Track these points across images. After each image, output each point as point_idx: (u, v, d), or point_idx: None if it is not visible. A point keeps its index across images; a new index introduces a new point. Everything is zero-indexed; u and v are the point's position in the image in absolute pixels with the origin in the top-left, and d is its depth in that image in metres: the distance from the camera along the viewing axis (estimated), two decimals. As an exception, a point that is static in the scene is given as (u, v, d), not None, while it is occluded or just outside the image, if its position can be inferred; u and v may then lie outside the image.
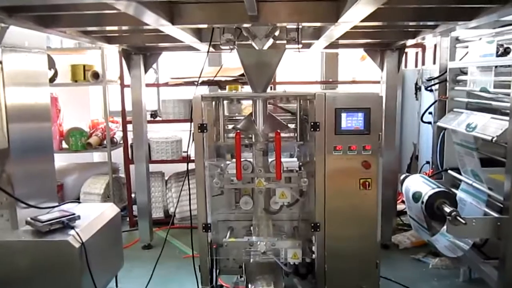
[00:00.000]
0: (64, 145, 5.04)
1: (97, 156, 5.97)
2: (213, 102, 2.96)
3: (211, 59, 5.58)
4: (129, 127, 4.63)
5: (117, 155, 5.17)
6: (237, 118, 3.25)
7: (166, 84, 5.06)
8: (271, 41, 2.87)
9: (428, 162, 4.28)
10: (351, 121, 2.60)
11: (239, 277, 3.13)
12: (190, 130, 2.74)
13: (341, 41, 3.50)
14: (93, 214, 3.11)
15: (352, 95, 2.63)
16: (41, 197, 3.10)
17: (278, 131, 2.66)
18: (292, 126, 2.96)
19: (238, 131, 2.73)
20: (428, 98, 4.29)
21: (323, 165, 2.66)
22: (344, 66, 5.73)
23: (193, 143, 2.74)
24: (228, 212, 3.12)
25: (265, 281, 2.95)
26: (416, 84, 4.65)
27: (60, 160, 5.44)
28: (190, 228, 2.96)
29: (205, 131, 2.69)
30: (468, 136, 3.10)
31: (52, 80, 4.85)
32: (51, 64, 4.77)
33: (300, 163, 2.96)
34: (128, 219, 5.12)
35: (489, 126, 2.88)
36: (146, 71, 4.39)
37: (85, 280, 2.72)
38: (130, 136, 4.78)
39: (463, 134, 3.14)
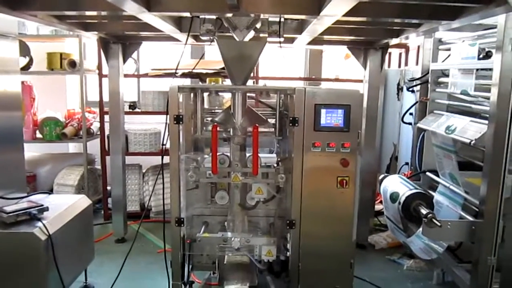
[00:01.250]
0: (38, 135, 4.89)
1: (72, 147, 5.82)
2: (192, 94, 2.89)
3: (194, 52, 5.50)
4: (107, 118, 4.52)
5: (94, 146, 5.05)
6: (216, 111, 3.18)
7: (146, 75, 4.95)
8: (252, 33, 2.81)
9: (407, 163, 4.29)
10: (330, 118, 2.56)
11: (212, 274, 3.06)
12: (166, 122, 2.66)
13: (325, 37, 3.45)
14: (63, 205, 3.00)
15: (332, 91, 2.59)
16: (9, 188, 2.98)
17: (256, 125, 2.60)
18: (272, 121, 2.90)
19: (215, 124, 2.67)
20: (409, 99, 4.29)
21: (301, 161, 2.61)
22: (328, 64, 5.71)
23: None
24: (204, 206, 3.06)
25: (238, 278, 2.90)
26: (398, 84, 4.65)
27: (34, 150, 5.30)
28: (164, 222, 2.88)
29: (181, 122, 2.62)
30: (447, 139, 3.10)
31: (26, 67, 4.71)
32: (26, 51, 4.63)
33: (279, 159, 2.91)
34: (103, 212, 5.01)
35: (468, 129, 2.88)
36: (124, 61, 4.27)
37: (51, 274, 2.62)
38: (107, 127, 4.66)
39: (442, 136, 3.13)
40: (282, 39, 2.91)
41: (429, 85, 3.59)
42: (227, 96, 3.81)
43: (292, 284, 2.72)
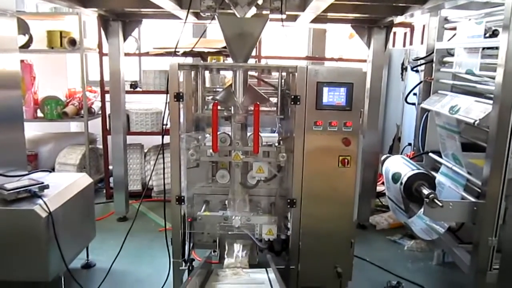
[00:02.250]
0: (39, 114, 4.88)
1: (74, 126, 5.81)
2: (192, 72, 2.85)
3: (196, 31, 5.44)
4: (108, 97, 4.48)
5: (95, 125, 5.03)
6: (218, 90, 3.15)
7: (147, 54, 4.90)
8: (254, 10, 2.75)
9: (410, 144, 4.25)
10: (332, 96, 2.52)
11: (212, 252, 3.07)
12: (166, 100, 2.63)
13: (328, 15, 3.39)
14: (63, 183, 3.00)
15: (335, 69, 2.55)
16: (9, 166, 2.98)
17: (258, 103, 2.57)
18: (274, 101, 2.87)
19: (216, 101, 2.63)
20: (414, 79, 4.23)
21: (302, 140, 2.59)
22: (332, 44, 5.63)
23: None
24: (205, 185, 3.05)
25: (239, 257, 2.91)
26: (403, 64, 4.58)
27: (35, 130, 5.30)
28: (165, 202, 2.88)
29: (181, 100, 2.59)
30: (451, 119, 3.05)
31: (26, 46, 4.67)
32: (25, 29, 4.58)
33: (280, 138, 2.89)
34: (105, 191, 5.03)
35: (472, 109, 2.83)
36: (125, 39, 4.21)
37: (52, 251, 2.63)
38: (108, 106, 4.63)
39: (446, 116, 3.09)
40: (284, 16, 2.85)
41: (433, 65, 3.53)
42: (228, 76, 3.77)
43: (292, 263, 2.73)
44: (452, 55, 3.31)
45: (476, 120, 2.66)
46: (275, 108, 2.82)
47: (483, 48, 2.82)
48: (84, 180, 3.21)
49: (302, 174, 2.63)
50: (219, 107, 2.74)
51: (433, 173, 3.33)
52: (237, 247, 2.91)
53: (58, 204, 2.74)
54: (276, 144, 2.73)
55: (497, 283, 2.17)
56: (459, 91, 3.29)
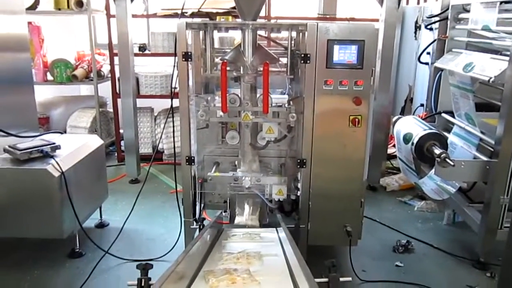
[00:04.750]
0: (49, 77, 4.88)
1: (84, 90, 5.82)
2: (201, 33, 2.80)
3: (204, -9, 5.29)
4: (117, 60, 4.45)
5: (105, 89, 5.02)
6: (227, 51, 3.09)
7: (155, 15, 4.82)
8: (263, -35, 2.66)
9: (422, 105, 4.18)
10: (343, 54, 2.47)
11: (223, 212, 3.11)
12: (175, 60, 2.60)
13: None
14: (75, 144, 3.03)
15: (346, 26, 2.47)
16: (21, 128, 3.01)
17: (267, 62, 2.52)
18: (284, 61, 2.82)
19: (225, 61, 2.59)
20: (427, 38, 4.10)
21: (312, 100, 2.56)
22: (343, 3, 5.46)
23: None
24: (215, 147, 3.06)
25: (249, 217, 2.95)
26: (416, 22, 4.44)
27: (47, 93, 5.32)
28: (175, 164, 2.91)
29: (189, 60, 2.55)
30: (465, 77, 2.99)
31: (33, 7, 4.61)
32: (32, -11, 4.51)
33: (290, 99, 2.86)
34: (116, 154, 5.08)
35: (488, 67, 2.76)
36: (132, 0, 4.14)
37: (66, 210, 2.69)
38: (117, 69, 4.60)
39: (460, 75, 3.02)
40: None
41: (448, 22, 3.42)
42: (238, 37, 3.69)
43: (302, 223, 2.76)
44: (468, 11, 3.21)
45: (491, 78, 2.59)
46: (285, 69, 2.77)
47: (501, 2, 2.71)
48: (95, 141, 3.24)
49: (312, 134, 2.61)
50: (228, 68, 2.70)
51: (445, 133, 3.29)
52: (248, 207, 2.94)
53: (70, 164, 2.78)
54: (286, 105, 2.70)
55: (507, 241, 2.18)
56: (474, 49, 3.20)
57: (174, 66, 2.61)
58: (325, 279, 1.60)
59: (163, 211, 3.74)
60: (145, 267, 1.57)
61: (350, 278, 1.65)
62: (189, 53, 2.54)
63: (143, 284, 1.53)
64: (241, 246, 2.23)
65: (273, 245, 2.30)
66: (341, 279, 1.60)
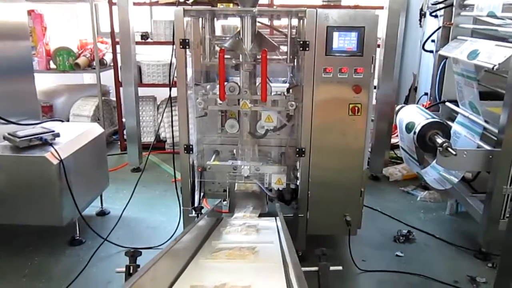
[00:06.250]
0: (52, 66, 4.87)
1: (87, 78, 5.82)
2: (200, 20, 2.77)
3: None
4: (119, 48, 4.43)
5: (108, 77, 5.01)
6: (226, 38, 3.06)
7: (157, 3, 4.78)
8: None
9: (426, 94, 4.13)
10: (343, 41, 2.42)
11: (222, 201, 3.10)
12: (173, 48, 2.57)
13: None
14: (75, 132, 3.03)
15: (345, 12, 2.41)
16: (22, 116, 3.01)
17: (265, 49, 2.49)
18: (284, 49, 2.78)
19: (223, 48, 2.56)
20: (432, 26, 4.04)
21: (312, 88, 2.52)
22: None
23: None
24: (214, 135, 3.04)
25: (249, 206, 2.94)
26: (421, 9, 4.37)
27: (50, 82, 5.32)
28: (174, 153, 2.89)
29: (187, 47, 2.52)
30: (469, 65, 2.92)
31: (35, -6, 4.60)
32: (33, -24, 4.49)
33: (289, 87, 2.82)
34: (119, 143, 5.09)
35: (493, 54, 2.70)
36: (134, -13, 4.11)
37: (65, 198, 2.69)
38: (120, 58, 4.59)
39: (464, 62, 2.96)
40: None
41: (453, 9, 3.35)
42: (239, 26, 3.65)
43: (301, 212, 2.74)
44: (474, -3, 3.14)
45: (495, 65, 2.53)
46: (285, 57, 2.73)
47: (507, -13, 2.65)
48: (95, 129, 3.23)
49: (311, 122, 2.58)
50: (227, 56, 2.67)
51: (449, 123, 3.24)
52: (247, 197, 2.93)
53: (70, 152, 2.77)
54: (285, 93, 2.67)
55: (507, 228, 2.15)
56: (480, 36, 3.14)
57: (172, 54, 2.58)
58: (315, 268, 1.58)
59: (165, 200, 3.75)
60: (133, 254, 1.56)
61: (340, 267, 1.61)
62: (187, 40, 2.51)
63: (131, 271, 1.52)
64: (237, 238, 2.21)
65: (269, 232, 2.29)
66: (331, 268, 1.57)
